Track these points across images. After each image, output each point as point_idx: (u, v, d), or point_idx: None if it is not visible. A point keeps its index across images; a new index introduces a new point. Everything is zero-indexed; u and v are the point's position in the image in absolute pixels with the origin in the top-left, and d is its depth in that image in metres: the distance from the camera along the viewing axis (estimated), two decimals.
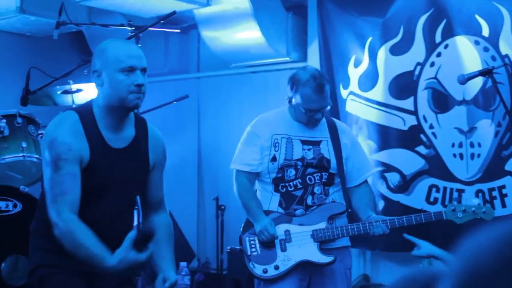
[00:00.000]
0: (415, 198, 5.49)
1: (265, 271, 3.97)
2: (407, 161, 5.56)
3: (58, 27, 5.03)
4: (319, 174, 4.04)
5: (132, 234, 2.91)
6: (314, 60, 6.34)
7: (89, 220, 2.96)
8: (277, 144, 4.04)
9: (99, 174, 3.04)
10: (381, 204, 5.59)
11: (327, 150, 4.08)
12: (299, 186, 4.04)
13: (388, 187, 5.63)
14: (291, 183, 4.04)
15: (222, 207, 6.39)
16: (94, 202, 3.03)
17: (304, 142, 4.06)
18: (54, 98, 5.31)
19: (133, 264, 2.90)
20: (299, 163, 4.03)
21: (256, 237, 4.01)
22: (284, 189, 4.05)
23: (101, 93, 3.07)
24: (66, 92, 5.28)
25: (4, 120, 4.65)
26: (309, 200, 4.04)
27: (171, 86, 7.31)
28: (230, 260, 5.88)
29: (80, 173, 3.00)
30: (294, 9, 6.69)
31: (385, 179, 5.68)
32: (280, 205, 4.05)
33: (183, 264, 4.54)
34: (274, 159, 4.03)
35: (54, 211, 2.96)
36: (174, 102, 5.91)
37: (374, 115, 5.77)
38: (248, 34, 6.51)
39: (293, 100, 4.01)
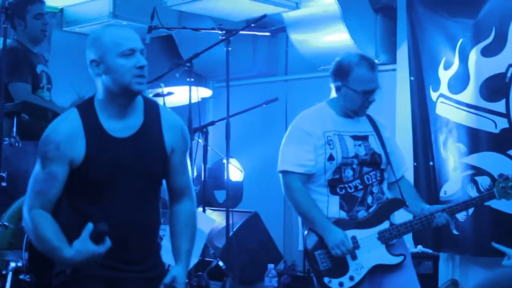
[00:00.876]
0: (507, 203, 5.37)
1: (341, 284, 3.76)
2: (499, 164, 5.44)
3: (150, 31, 5.13)
4: (374, 172, 3.88)
5: (90, 226, 2.81)
6: (403, 62, 6.28)
7: (104, 214, 2.90)
8: (331, 142, 3.84)
9: (100, 168, 2.94)
10: (470, 209, 5.49)
11: (376, 144, 3.93)
12: (360, 187, 3.86)
13: (478, 191, 5.53)
14: (350, 184, 3.85)
15: None
16: (101, 195, 2.96)
17: (354, 138, 3.90)
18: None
19: (91, 256, 2.80)
20: (355, 160, 3.84)
21: (324, 250, 3.80)
22: (344, 190, 3.84)
23: (101, 83, 2.95)
24: (158, 95, 5.39)
25: None
26: (369, 200, 3.87)
27: (259, 89, 7.35)
28: None
29: (76, 171, 2.93)
30: (383, 11, 6.65)
31: (475, 183, 5.58)
32: (341, 208, 3.84)
33: (270, 266, 4.57)
34: (331, 158, 3.81)
35: (26, 205, 2.93)
36: (264, 105, 5.94)
37: (464, 117, 5.68)
38: (337, 37, 6.50)
39: (344, 87, 3.84)
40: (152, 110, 3.08)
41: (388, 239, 3.83)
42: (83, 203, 2.97)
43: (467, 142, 5.66)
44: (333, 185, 3.84)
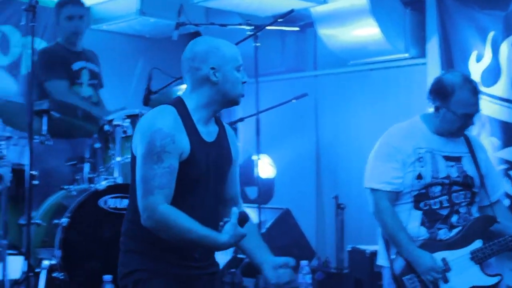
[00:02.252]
0: None
1: None
2: None
3: (178, 28, 5.13)
4: (464, 192, 3.75)
5: (235, 211, 2.93)
6: (433, 56, 6.22)
7: (189, 209, 2.98)
8: (421, 159, 3.71)
9: (197, 166, 3.07)
10: (506, 203, 5.42)
11: (469, 167, 3.78)
12: (445, 204, 3.73)
13: None
14: (436, 200, 3.72)
15: (342, 205, 6.33)
16: (191, 195, 3.07)
17: (447, 158, 3.76)
18: (174, 97, 5.41)
19: (240, 238, 2.93)
20: (446, 181, 3.71)
21: (413, 275, 3.68)
22: (427, 206, 3.72)
23: (208, 89, 3.10)
24: None
25: (128, 120, 4.76)
26: (453, 219, 3.73)
27: (288, 85, 7.32)
28: (351, 259, 5.82)
29: (179, 166, 3.02)
30: (412, 5, 6.59)
31: (509, 177, 5.51)
32: (422, 223, 3.72)
33: (304, 262, 4.51)
34: (419, 176, 3.70)
35: (149, 203, 2.94)
36: (293, 101, 5.91)
37: (497, 111, 5.61)
38: (366, 31, 6.45)
39: (443, 108, 3.71)
40: (219, 121, 3.26)
41: (482, 259, 3.69)
42: (177, 196, 3.02)
43: (500, 136, 5.59)
44: (418, 200, 3.75)
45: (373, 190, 3.78)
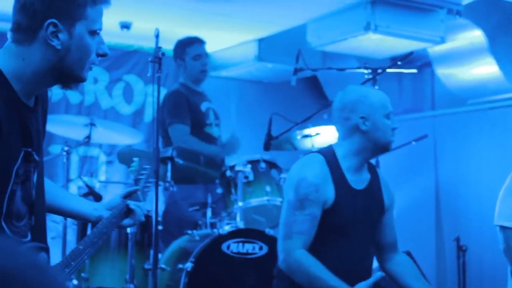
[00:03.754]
0: None
1: None
2: None
3: (296, 73, 5.16)
4: None
5: (378, 275, 2.97)
6: None
7: (332, 258, 3.09)
8: None
9: (343, 214, 3.16)
10: None
11: None
12: None
13: None
14: None
15: (464, 247, 6.20)
16: (338, 241, 3.16)
17: None
18: (294, 142, 5.45)
19: None
20: None
21: None
22: None
23: (359, 138, 3.21)
24: (306, 136, 5.41)
25: (249, 166, 4.83)
26: None
27: (406, 126, 7.24)
28: None
29: (322, 214, 3.13)
30: None
31: None
32: None
33: None
34: None
35: (286, 246, 3.11)
36: (413, 143, 5.85)
37: None
38: (485, 70, 6.35)
39: None
40: (372, 169, 3.36)
41: None
42: (318, 244, 3.15)
43: None
44: None
45: (503, 228, 3.61)
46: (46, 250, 2.28)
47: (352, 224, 3.18)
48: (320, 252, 3.10)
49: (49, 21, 2.08)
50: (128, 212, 2.63)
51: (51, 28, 2.09)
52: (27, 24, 2.10)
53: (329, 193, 3.14)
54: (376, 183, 3.33)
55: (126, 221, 2.63)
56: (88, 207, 2.59)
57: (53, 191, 2.52)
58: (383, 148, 3.23)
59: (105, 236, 2.51)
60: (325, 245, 3.14)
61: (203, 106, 5.41)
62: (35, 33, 2.10)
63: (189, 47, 5.47)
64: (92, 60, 2.22)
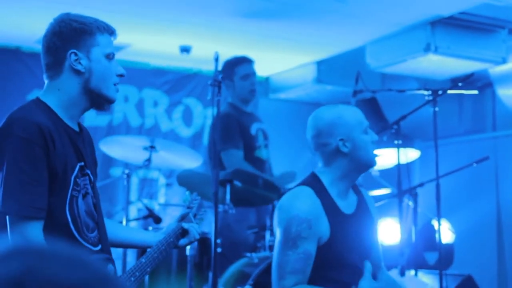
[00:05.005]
0: None
1: None
2: None
3: (355, 95, 5.16)
4: None
5: (367, 264, 2.97)
6: None
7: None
8: None
9: (339, 244, 3.03)
10: None
11: None
12: None
13: None
14: None
15: None
16: (334, 274, 3.04)
17: None
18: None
19: None
20: None
21: None
22: None
23: (343, 161, 3.05)
24: None
25: None
26: None
27: (467, 147, 7.17)
28: None
29: (317, 250, 2.99)
30: None
31: None
32: None
33: None
34: None
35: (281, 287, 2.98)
36: (474, 165, 5.77)
37: None
38: None
39: None
40: (355, 188, 3.22)
41: None
42: (320, 279, 3.03)
43: None
44: None
45: None
46: (113, 261, 2.66)
47: (348, 253, 3.05)
48: (323, 283, 3.00)
49: (70, 51, 2.56)
50: (184, 232, 2.92)
51: (73, 57, 2.56)
52: (54, 60, 2.58)
53: (323, 227, 2.99)
54: (363, 203, 3.18)
55: (183, 241, 2.92)
56: (148, 236, 2.91)
57: (111, 225, 2.83)
58: (367, 165, 3.09)
59: (164, 253, 2.81)
60: (328, 276, 3.02)
61: (253, 128, 5.40)
62: (61, 65, 2.58)
63: (238, 67, 5.44)
64: (114, 80, 2.65)
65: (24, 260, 0.93)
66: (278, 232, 3.03)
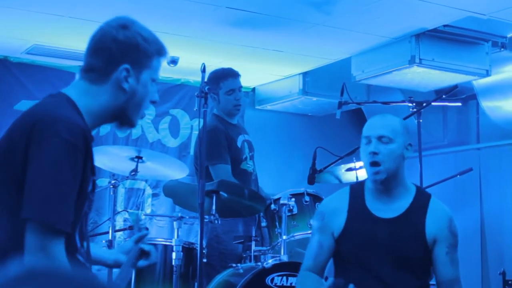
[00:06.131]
0: None
1: None
2: None
3: (340, 106, 5.18)
4: None
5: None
6: None
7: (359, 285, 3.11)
8: None
9: (353, 242, 3.24)
10: None
11: None
12: None
13: None
14: None
15: (510, 282, 6.13)
16: (354, 270, 3.22)
17: None
18: (339, 175, 5.46)
19: None
20: None
21: None
22: None
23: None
24: (350, 169, 5.42)
25: (293, 199, 4.83)
26: None
27: (451, 159, 7.23)
28: None
29: (335, 243, 3.29)
30: None
31: None
32: None
33: None
34: None
35: (301, 267, 3.41)
36: (458, 176, 5.82)
37: None
38: None
39: None
40: (421, 199, 3.29)
41: None
42: (341, 272, 3.32)
43: None
44: None
45: None
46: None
47: (373, 253, 3.18)
48: (347, 278, 3.17)
49: (124, 66, 2.33)
50: (142, 254, 2.89)
51: (124, 73, 2.34)
52: (102, 66, 2.34)
53: (337, 222, 3.27)
54: (418, 212, 3.22)
55: (142, 262, 2.87)
56: (104, 253, 2.85)
57: None
58: (368, 176, 3.30)
59: (126, 280, 2.93)
60: (344, 273, 3.24)
61: (239, 141, 5.39)
62: (108, 75, 2.34)
63: (223, 81, 5.37)
64: (146, 105, 2.47)
65: (37, 285, 0.90)
66: None
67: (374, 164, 3.19)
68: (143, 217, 3.77)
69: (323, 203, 3.51)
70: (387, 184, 3.23)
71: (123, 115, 2.42)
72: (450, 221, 3.28)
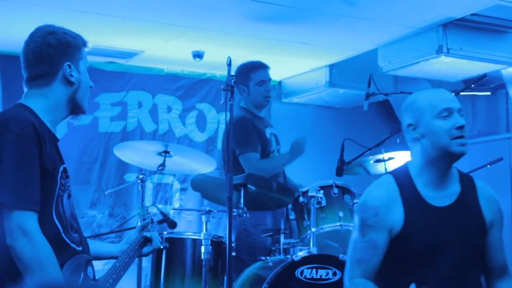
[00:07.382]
0: None
1: None
2: None
3: (368, 98, 5.15)
4: None
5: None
6: None
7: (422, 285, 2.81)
8: None
9: (424, 236, 2.87)
10: None
11: None
12: None
13: None
14: None
15: None
16: (420, 270, 2.87)
17: None
18: (367, 167, 5.43)
19: None
20: None
21: None
22: None
23: (420, 148, 2.93)
24: (379, 161, 5.39)
25: (322, 191, 4.81)
26: None
27: (481, 148, 7.16)
28: None
29: (391, 241, 2.90)
30: None
31: None
32: None
33: None
34: None
35: (347, 275, 2.94)
36: (488, 166, 5.76)
37: None
38: None
39: None
40: (467, 181, 3.04)
41: None
42: (396, 273, 2.94)
43: None
44: None
45: None
46: (91, 263, 2.84)
47: (438, 246, 2.86)
48: (403, 284, 2.82)
49: (67, 63, 2.78)
50: (146, 241, 3.29)
51: (67, 69, 2.78)
52: (47, 70, 2.77)
53: (395, 217, 2.87)
54: (471, 196, 2.97)
55: (146, 249, 3.30)
56: (110, 247, 3.21)
57: None
58: (446, 153, 2.86)
59: (132, 259, 3.16)
60: (405, 275, 2.87)
61: (267, 133, 5.39)
62: (54, 75, 2.77)
63: (254, 72, 5.40)
64: (88, 92, 2.90)
65: None
66: (354, 218, 3.00)
67: (462, 137, 2.89)
68: (154, 210, 3.86)
69: (370, 196, 2.93)
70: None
71: (76, 105, 2.83)
72: (498, 203, 3.10)
